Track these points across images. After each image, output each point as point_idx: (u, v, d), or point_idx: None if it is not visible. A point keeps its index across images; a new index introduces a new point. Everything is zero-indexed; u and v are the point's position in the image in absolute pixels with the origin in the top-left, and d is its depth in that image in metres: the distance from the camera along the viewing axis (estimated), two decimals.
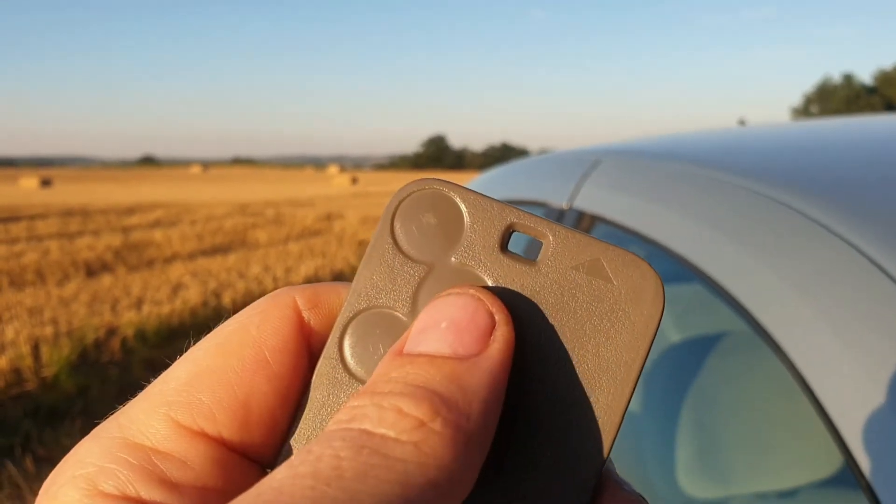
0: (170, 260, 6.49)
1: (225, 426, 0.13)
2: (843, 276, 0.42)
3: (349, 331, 0.13)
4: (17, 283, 5.25)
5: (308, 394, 0.13)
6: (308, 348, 0.14)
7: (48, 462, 2.53)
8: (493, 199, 0.13)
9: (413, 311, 0.13)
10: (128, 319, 4.03)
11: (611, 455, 0.13)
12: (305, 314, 0.14)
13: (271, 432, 0.13)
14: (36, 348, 3.46)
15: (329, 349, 0.13)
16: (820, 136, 0.76)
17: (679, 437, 0.61)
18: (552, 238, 0.13)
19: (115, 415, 0.14)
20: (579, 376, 0.12)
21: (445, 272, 0.13)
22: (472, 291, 0.12)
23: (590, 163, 0.78)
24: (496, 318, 0.12)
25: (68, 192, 22.28)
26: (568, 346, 0.13)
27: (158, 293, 4.78)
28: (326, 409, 0.13)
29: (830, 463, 0.52)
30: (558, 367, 0.12)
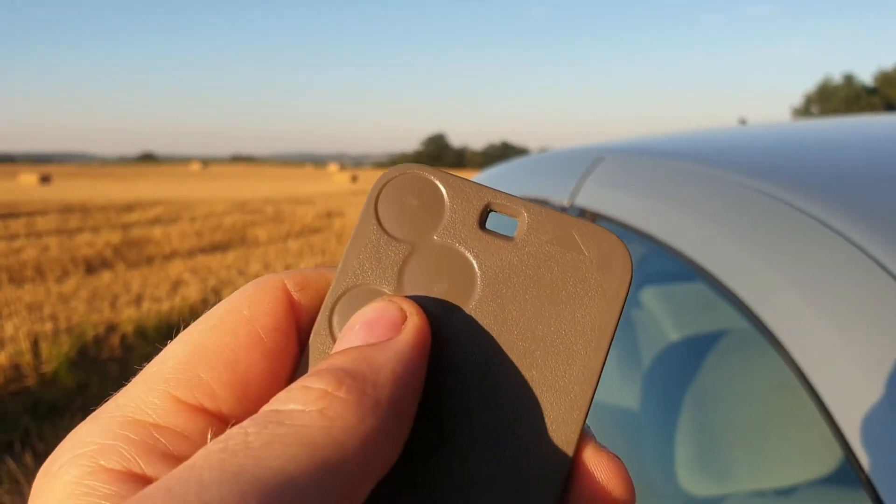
0: (169, 257, 6.48)
1: (224, 401, 0.13)
2: (845, 273, 0.42)
3: (338, 307, 0.14)
4: (16, 279, 5.25)
5: (299, 368, 0.14)
6: (298, 327, 0.14)
7: (47, 458, 2.53)
8: (471, 181, 0.14)
9: (399, 288, 0.13)
10: (127, 316, 4.03)
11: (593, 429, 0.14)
12: (295, 295, 0.14)
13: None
14: (35, 344, 3.46)
15: (319, 325, 0.14)
16: (821, 136, 0.76)
17: (679, 435, 0.62)
18: (527, 215, 0.13)
19: (113, 397, 0.14)
20: (556, 341, 0.13)
21: (428, 249, 0.13)
22: (385, 297, 0.13)
23: (591, 161, 0.79)
24: (406, 311, 0.13)
25: (67, 189, 22.25)
26: (544, 313, 0.13)
27: (158, 290, 4.78)
28: None
29: (829, 461, 0.52)
30: (533, 333, 0.13)
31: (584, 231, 0.13)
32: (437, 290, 0.13)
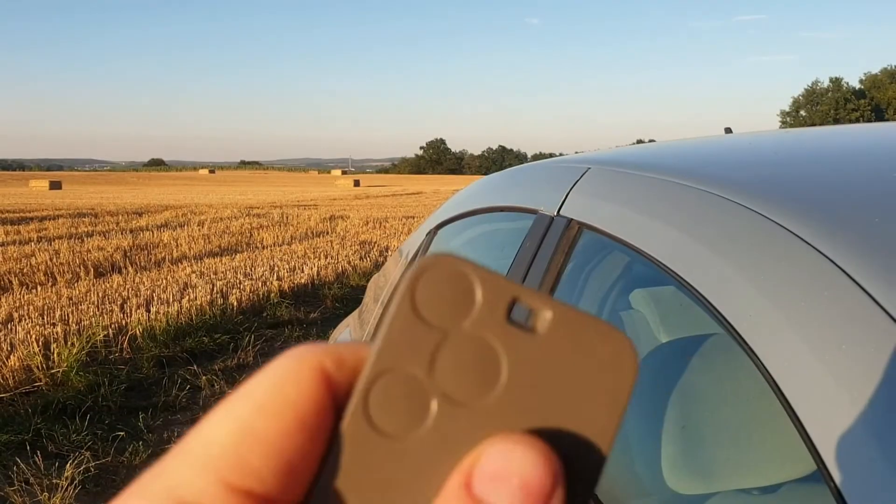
0: (178, 260, 6.54)
1: (272, 486, 0.13)
2: (814, 285, 0.44)
3: (373, 390, 0.14)
4: (28, 283, 5.32)
5: (332, 451, 0.14)
6: (335, 406, 0.14)
7: (58, 458, 2.58)
8: (500, 274, 0.15)
9: (431, 372, 0.14)
10: (137, 318, 4.08)
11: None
12: (333, 374, 0.14)
13: (303, 485, 0.14)
14: (46, 347, 3.51)
15: (356, 408, 0.14)
16: (797, 148, 0.78)
17: (664, 435, 0.64)
18: (550, 312, 0.14)
19: (155, 474, 0.14)
20: (567, 430, 0.14)
21: (459, 337, 0.14)
22: (539, 447, 0.14)
23: (578, 172, 0.81)
24: (556, 479, 0.13)
25: (78, 194, 22.43)
26: (560, 404, 0.14)
27: (166, 293, 4.83)
28: (354, 462, 0.14)
29: (809, 461, 0.54)
30: (547, 421, 0.14)
31: (600, 330, 0.14)
32: (466, 377, 0.14)
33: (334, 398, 0.14)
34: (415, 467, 0.14)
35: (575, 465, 0.14)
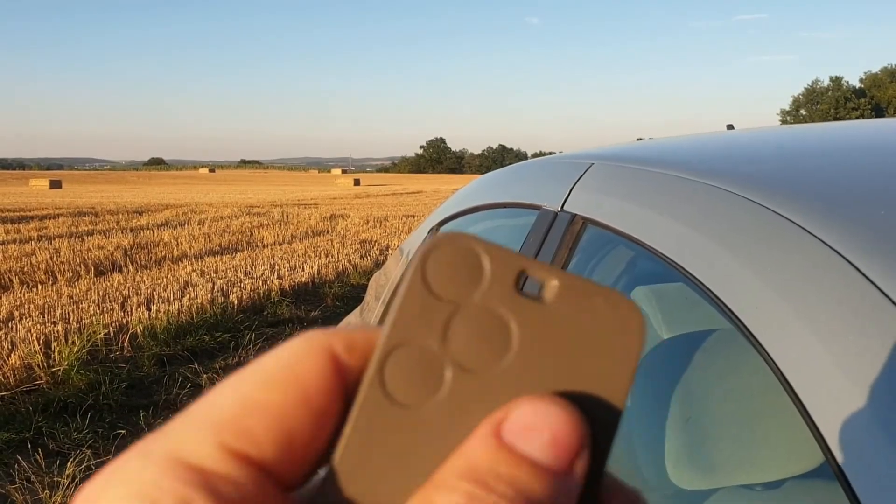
0: (178, 259, 6.55)
1: (269, 453, 0.14)
2: (822, 277, 0.44)
3: (388, 362, 0.15)
4: (28, 281, 5.32)
5: (349, 422, 0.15)
6: (344, 388, 0.15)
7: (59, 456, 2.58)
8: (507, 248, 0.15)
9: (444, 344, 0.15)
10: (137, 317, 4.08)
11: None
12: (342, 356, 0.15)
13: (304, 462, 0.15)
14: (47, 345, 3.51)
15: (370, 378, 0.15)
16: (801, 142, 0.78)
17: (668, 431, 0.63)
18: (557, 281, 0.15)
19: (158, 436, 0.14)
20: (581, 393, 0.15)
21: (470, 309, 0.15)
22: (570, 407, 0.14)
23: (582, 167, 0.81)
24: (583, 439, 0.14)
25: (78, 193, 22.43)
26: (572, 369, 0.15)
27: (167, 291, 4.83)
28: (370, 433, 0.14)
29: (813, 456, 0.53)
30: (561, 387, 0.15)
31: (605, 296, 0.15)
32: (479, 346, 0.15)
33: (343, 381, 0.15)
34: (431, 435, 0.14)
35: (593, 428, 0.15)
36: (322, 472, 0.15)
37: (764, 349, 0.45)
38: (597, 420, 0.15)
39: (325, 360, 0.15)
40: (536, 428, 0.14)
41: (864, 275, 0.41)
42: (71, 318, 4.05)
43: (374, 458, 0.14)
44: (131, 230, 8.85)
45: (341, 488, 0.14)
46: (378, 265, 6.17)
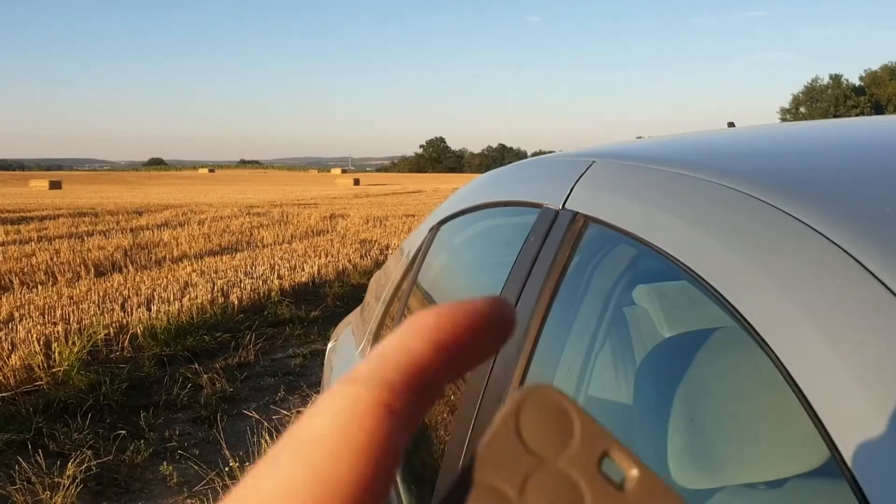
0: (178, 259, 6.55)
1: None
2: (827, 273, 0.44)
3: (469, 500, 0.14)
4: (28, 282, 5.33)
5: None
6: (401, 431, 0.14)
7: (59, 457, 2.58)
8: (596, 421, 0.15)
9: (520, 494, 0.14)
10: (137, 317, 4.08)
11: None
12: (393, 405, 0.14)
13: None
14: (47, 346, 3.51)
15: None
16: (805, 139, 0.77)
17: (671, 430, 0.63)
18: (637, 473, 0.15)
19: None
20: None
21: (553, 469, 0.15)
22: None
23: (583, 165, 0.80)
24: None
25: (78, 194, 22.44)
26: None
27: (167, 292, 4.83)
28: None
29: (817, 455, 0.53)
30: None
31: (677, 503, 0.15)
32: None
33: (399, 425, 0.14)
34: None
35: None
36: None
37: (769, 347, 0.45)
38: None
39: (381, 416, 0.14)
40: None
41: (870, 272, 0.41)
42: (71, 319, 4.05)
43: None
44: (131, 230, 8.85)
45: None
46: (378, 265, 6.17)
